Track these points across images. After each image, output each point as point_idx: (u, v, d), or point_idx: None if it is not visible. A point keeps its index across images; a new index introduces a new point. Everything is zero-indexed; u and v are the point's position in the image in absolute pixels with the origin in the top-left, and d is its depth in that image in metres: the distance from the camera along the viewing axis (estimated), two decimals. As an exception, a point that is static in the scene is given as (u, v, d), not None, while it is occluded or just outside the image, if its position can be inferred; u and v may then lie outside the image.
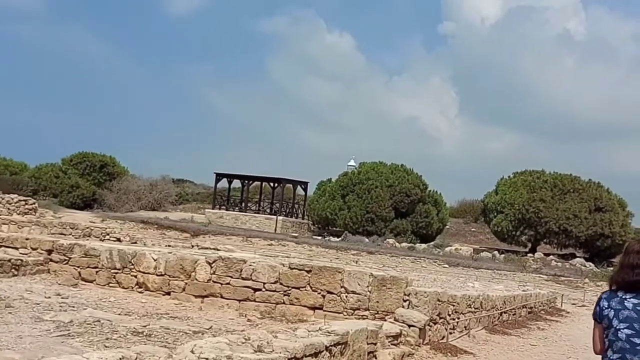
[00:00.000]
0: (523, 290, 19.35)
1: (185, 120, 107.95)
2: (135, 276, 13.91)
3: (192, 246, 26.82)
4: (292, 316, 12.82)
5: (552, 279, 31.94)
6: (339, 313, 12.82)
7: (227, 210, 57.77)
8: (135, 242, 26.77)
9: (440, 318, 12.75)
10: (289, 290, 13.10)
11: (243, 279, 13.32)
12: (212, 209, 57.57)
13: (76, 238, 27.46)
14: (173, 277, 13.66)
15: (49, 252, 14.37)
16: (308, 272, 13.03)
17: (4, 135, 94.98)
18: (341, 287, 12.85)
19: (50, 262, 14.32)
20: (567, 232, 45.36)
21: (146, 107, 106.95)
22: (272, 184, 58.90)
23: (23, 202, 37.05)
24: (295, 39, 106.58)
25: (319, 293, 12.95)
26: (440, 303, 12.62)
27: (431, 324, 12.30)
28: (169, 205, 64.82)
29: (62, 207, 54.78)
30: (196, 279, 13.55)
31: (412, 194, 49.58)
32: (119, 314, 11.60)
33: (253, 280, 13.27)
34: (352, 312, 12.75)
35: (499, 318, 15.89)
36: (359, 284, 12.73)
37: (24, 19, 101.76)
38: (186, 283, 13.61)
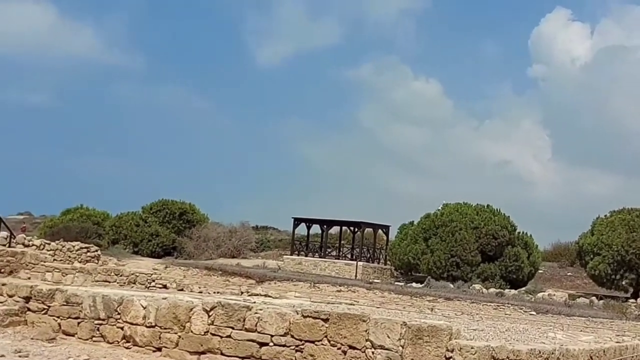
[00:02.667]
0: (617, 342, 15.95)
1: (272, 168, 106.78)
2: (122, 328, 11.45)
3: (242, 293, 24.37)
4: (305, 378, 10.05)
5: (657, 327, 27.90)
6: (362, 374, 9.97)
7: (305, 256, 55.32)
8: (182, 289, 24.52)
9: (497, 380, 9.74)
10: (302, 344, 10.35)
11: (247, 330, 10.66)
12: (291, 254, 55.26)
13: (120, 286, 25.45)
14: (165, 328, 11.12)
15: (27, 299, 12.10)
16: (325, 320, 10.27)
17: (89, 187, 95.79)
18: (366, 340, 10.02)
19: (28, 312, 12.03)
20: (673, 274, 40.87)
21: (232, 156, 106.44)
22: (352, 229, 56.17)
23: (85, 250, 35.64)
24: (382, 86, 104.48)
25: (339, 348, 10.15)
26: (495, 361, 9.62)
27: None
28: (248, 252, 62.97)
29: (137, 255, 53.62)
30: (191, 331, 10.96)
31: (499, 236, 45.91)
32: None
33: (258, 332, 10.58)
34: (381, 372, 9.88)
35: (583, 378, 12.64)
36: (388, 337, 9.87)
37: (122, 78, 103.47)
38: (180, 336, 11.03)
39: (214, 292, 23.67)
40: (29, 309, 12.04)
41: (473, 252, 45.63)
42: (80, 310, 11.72)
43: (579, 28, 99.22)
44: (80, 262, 33.50)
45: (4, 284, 12.21)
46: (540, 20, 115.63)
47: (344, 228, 57.87)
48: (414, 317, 15.40)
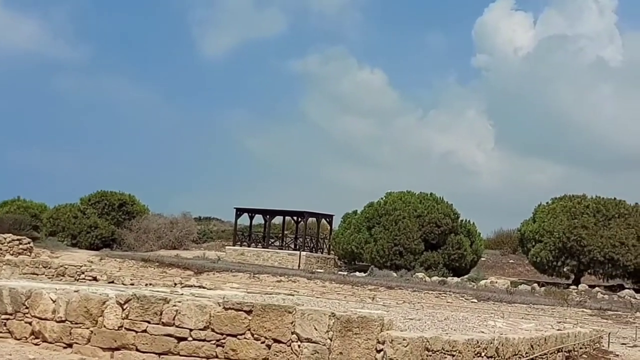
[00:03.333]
0: (558, 330, 15.51)
1: (216, 160, 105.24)
2: (30, 323, 10.52)
3: (175, 284, 23.44)
4: (226, 375, 9.28)
5: (597, 313, 27.80)
6: (289, 370, 9.25)
7: (248, 246, 54.48)
8: (112, 282, 23.48)
9: (435, 373, 9.11)
10: (224, 338, 9.58)
11: (164, 324, 9.84)
12: (233, 245, 54.34)
13: (49, 278, 24.31)
14: (76, 323, 10.23)
15: None
16: (248, 313, 9.51)
17: (24, 179, 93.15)
18: (292, 332, 9.30)
19: None
20: (613, 261, 40.93)
21: (175, 147, 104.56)
22: (295, 218, 55.46)
23: (17, 242, 34.31)
24: (327, 77, 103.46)
25: (263, 342, 9.41)
26: (430, 353, 8.99)
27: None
28: (190, 244, 61.83)
29: (74, 247, 52.16)
30: (104, 326, 10.10)
31: (442, 224, 45.69)
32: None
33: (176, 327, 9.78)
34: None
35: (523, 369, 12.12)
36: (315, 329, 9.16)
37: (66, 69, 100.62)
38: (92, 331, 10.16)
39: (147, 284, 22.73)
40: None
41: (416, 240, 45.34)
42: (-17, 305, 10.76)
43: (522, 18, 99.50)
44: (12, 254, 32.18)
45: None
46: (483, 10, 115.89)
47: (287, 218, 57.12)
48: (353, 307, 14.80)
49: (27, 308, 10.51)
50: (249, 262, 48.95)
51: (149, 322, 9.89)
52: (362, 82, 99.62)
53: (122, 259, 36.92)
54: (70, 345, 10.24)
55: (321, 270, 43.37)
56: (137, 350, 9.89)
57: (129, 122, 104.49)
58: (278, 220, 57.51)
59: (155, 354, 9.79)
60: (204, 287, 21.84)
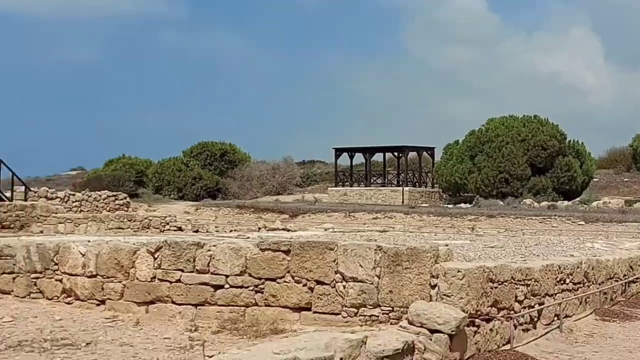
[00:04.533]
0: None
1: (314, 102, 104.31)
2: (61, 280, 9.71)
3: (259, 228, 22.64)
4: (267, 324, 8.18)
5: None
6: (336, 314, 8.06)
7: (350, 186, 53.53)
8: (197, 230, 22.92)
9: (500, 309, 7.72)
10: (262, 283, 8.46)
11: (198, 271, 8.81)
12: (335, 186, 53.48)
13: (134, 231, 24.00)
14: (107, 277, 9.34)
15: (-42, 256, 10.44)
16: (286, 253, 8.34)
17: (131, 137, 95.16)
18: (335, 272, 8.08)
19: (-39, 271, 10.38)
20: None
21: (273, 93, 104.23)
22: (396, 154, 53.99)
23: (113, 198, 34.57)
24: (425, 6, 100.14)
25: (305, 285, 8.24)
26: (494, 285, 7.58)
27: (479, 321, 7.33)
28: (294, 188, 61.43)
29: (181, 200, 52.48)
30: (137, 278, 9.16)
31: (548, 147, 43.18)
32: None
33: (212, 274, 8.72)
34: (355, 310, 7.95)
35: (622, 292, 10.52)
36: (360, 266, 7.91)
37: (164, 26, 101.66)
38: (124, 285, 9.25)
39: (230, 230, 22.01)
40: (-39, 268, 10.40)
41: (522, 166, 43.12)
42: (14, 264, 10.03)
43: None
44: (108, 210, 32.35)
45: None
46: None
47: (387, 154, 55.72)
48: (433, 239, 13.47)
49: (56, 264, 9.71)
50: (352, 202, 48.02)
51: (182, 271, 8.89)
52: (461, 9, 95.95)
53: (218, 208, 36.60)
54: (103, 302, 9.38)
55: (425, 205, 41.94)
56: (173, 302, 8.93)
57: (226, 73, 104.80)
58: (379, 157, 56.18)
59: (192, 305, 8.79)
60: (287, 230, 20.93)
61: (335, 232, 19.26)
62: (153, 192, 57.76)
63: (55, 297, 9.67)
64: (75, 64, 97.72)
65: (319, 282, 8.15)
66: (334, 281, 8.06)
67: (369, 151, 53.73)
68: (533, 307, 8.26)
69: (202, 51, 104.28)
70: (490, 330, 7.53)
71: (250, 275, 8.50)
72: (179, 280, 8.89)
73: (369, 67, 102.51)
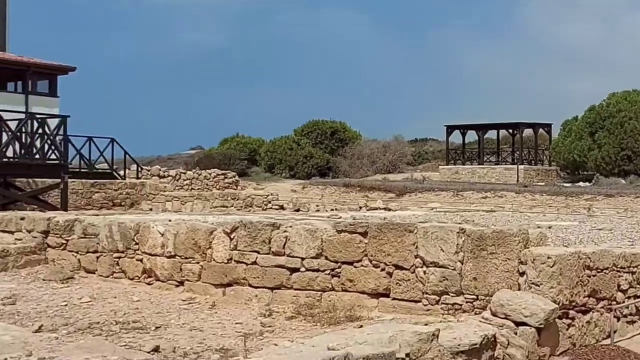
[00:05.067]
0: None
1: (425, 81, 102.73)
2: (141, 260, 9.53)
3: (360, 207, 22.15)
4: (344, 310, 7.69)
5: None
6: (416, 302, 7.48)
7: (462, 164, 52.31)
8: (298, 209, 22.68)
9: (599, 300, 6.95)
10: (339, 267, 7.97)
11: (274, 253, 8.41)
12: (446, 164, 52.40)
13: (237, 209, 24.04)
14: (185, 258, 9.09)
15: (45, 234, 10.46)
16: (363, 235, 7.81)
17: (245, 116, 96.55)
18: (415, 256, 7.49)
19: (48, 249, 10.40)
20: None
21: (382, 71, 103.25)
22: (510, 131, 52.29)
23: (222, 176, 34.99)
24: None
25: (383, 269, 7.69)
26: (592, 272, 6.81)
27: (573, 313, 6.61)
28: (405, 166, 60.62)
29: (292, 178, 52.65)
30: (213, 259, 8.86)
31: (676, 121, 40.71)
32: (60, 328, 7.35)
33: (287, 256, 8.31)
34: (437, 298, 7.35)
35: None
36: (442, 250, 7.29)
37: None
38: (202, 266, 8.97)
39: (331, 209, 21.64)
40: (48, 245, 10.42)
41: (646, 142, 40.89)
42: (97, 243, 9.94)
43: None
44: (218, 188, 32.68)
45: (22, 218, 10.62)
46: None
47: (501, 131, 54.05)
48: (548, 220, 12.58)
49: (136, 244, 9.54)
50: (463, 180, 46.86)
51: (258, 252, 8.51)
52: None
53: (324, 186, 36.33)
54: (182, 283, 9.14)
55: (541, 184, 40.39)
56: (249, 285, 8.57)
57: (339, 51, 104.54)
58: (492, 135, 54.56)
59: (268, 288, 8.41)
60: (388, 209, 20.36)
61: (439, 212, 18.54)
62: (265, 170, 58.28)
63: (137, 277, 9.52)
64: (195, 46, 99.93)
65: (397, 267, 7.59)
66: (414, 266, 7.48)
67: (482, 128, 52.25)
68: (636, 298, 7.43)
69: (314, 30, 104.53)
70: (587, 322, 6.79)
71: (326, 258, 8.03)
72: (254, 263, 8.52)
73: (484, 43, 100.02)
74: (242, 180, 37.56)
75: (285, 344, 5.26)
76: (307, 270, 8.15)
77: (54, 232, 10.34)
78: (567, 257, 6.54)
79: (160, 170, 32.28)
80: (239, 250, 8.64)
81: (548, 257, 6.44)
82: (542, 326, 6.15)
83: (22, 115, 22.45)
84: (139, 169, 30.01)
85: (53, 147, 21.69)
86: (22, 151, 20.90)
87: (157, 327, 7.45)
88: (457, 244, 7.20)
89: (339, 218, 11.54)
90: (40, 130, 21.92)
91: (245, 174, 48.48)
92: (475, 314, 7.03)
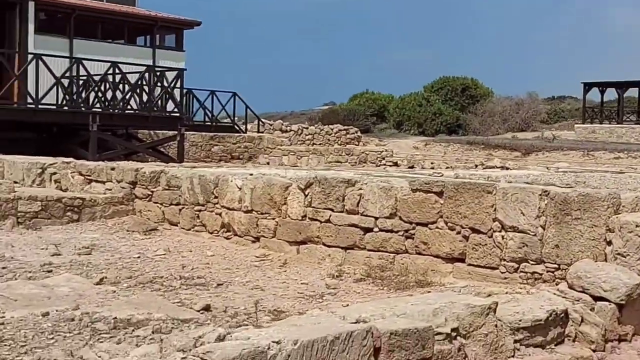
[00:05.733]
0: None
1: (563, 36, 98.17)
2: (220, 214, 9.30)
3: (476, 166, 21.24)
4: (417, 274, 7.16)
5: None
6: (493, 268, 6.85)
7: (600, 123, 49.79)
8: (412, 166, 22.04)
9: (701, 275, 6.08)
10: (413, 228, 7.42)
11: (348, 212, 7.94)
12: (582, 123, 49.99)
13: (351, 165, 23.67)
14: (261, 213, 8.78)
15: (133, 185, 10.42)
16: (439, 194, 7.21)
17: (376, 72, 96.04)
18: (493, 219, 6.83)
19: (135, 199, 10.36)
20: None
21: (517, 27, 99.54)
22: (653, 89, 49.22)
23: (344, 132, 34.85)
24: None
25: (459, 232, 7.08)
26: (693, 245, 5.96)
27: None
28: (539, 125, 58.37)
29: (421, 135, 51.83)
30: (288, 216, 8.49)
31: None
32: (127, 279, 7.26)
33: (361, 215, 7.82)
34: (515, 266, 6.69)
35: None
36: (522, 213, 6.60)
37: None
38: (277, 222, 8.63)
39: (447, 168, 20.90)
40: (135, 196, 10.38)
41: None
42: (180, 195, 9.79)
43: None
44: (339, 144, 32.55)
45: (112, 168, 10.62)
46: None
47: (643, 89, 50.99)
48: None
49: (216, 197, 9.31)
50: (600, 139, 44.60)
51: (332, 210, 8.08)
52: None
53: (448, 144, 35.34)
54: (257, 239, 8.85)
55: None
56: (323, 244, 8.17)
57: (470, 6, 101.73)
58: (633, 93, 51.52)
59: (341, 248, 7.98)
60: (506, 168, 19.39)
61: (559, 172, 17.43)
62: (393, 127, 57.66)
63: (215, 231, 9.32)
64: (320, 2, 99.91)
65: (474, 230, 6.96)
66: (492, 230, 6.83)
67: (622, 86, 49.40)
68: None
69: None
70: (682, 301, 5.96)
71: (400, 218, 7.49)
72: (328, 221, 8.10)
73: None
74: (365, 137, 37.13)
75: (316, 312, 4.83)
76: (381, 230, 7.65)
77: (140, 183, 10.28)
78: (659, 225, 5.73)
79: (282, 124, 32.37)
80: (313, 207, 8.23)
81: (637, 225, 5.66)
82: (623, 302, 5.41)
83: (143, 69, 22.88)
84: (260, 123, 30.17)
85: (171, 100, 21.97)
86: (141, 103, 21.28)
87: (219, 285, 7.18)
88: (539, 207, 6.49)
89: (440, 175, 10.89)
90: (159, 84, 22.25)
91: (368, 130, 47.99)
92: (556, 284, 6.34)
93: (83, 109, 20.37)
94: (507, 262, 6.72)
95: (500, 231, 6.77)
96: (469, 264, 6.98)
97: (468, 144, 34.13)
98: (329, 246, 8.10)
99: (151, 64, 26.82)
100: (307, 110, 74.95)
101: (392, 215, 7.55)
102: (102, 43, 27.21)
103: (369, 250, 7.74)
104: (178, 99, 21.93)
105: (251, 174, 9.30)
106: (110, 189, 10.53)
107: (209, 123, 26.90)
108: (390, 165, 22.25)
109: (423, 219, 7.31)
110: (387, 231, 7.60)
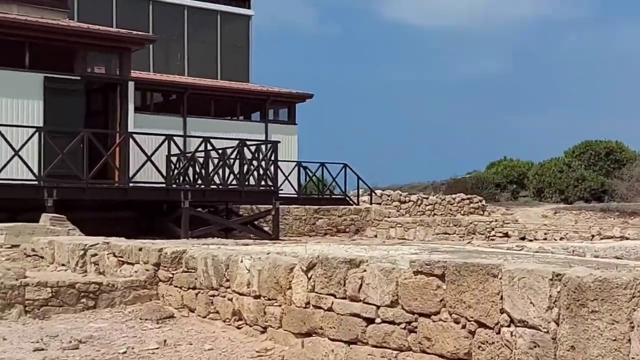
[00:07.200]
0: None
1: None
2: (231, 299, 8.26)
3: (593, 236, 19.08)
4: (420, 378, 5.80)
5: None
6: (501, 374, 5.40)
7: None
8: (524, 237, 20.20)
9: None
10: (415, 320, 6.08)
11: (350, 298, 6.70)
12: None
13: (460, 237, 22.08)
14: (269, 299, 7.66)
15: (157, 266, 9.58)
16: (440, 277, 5.86)
17: (511, 138, 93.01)
18: (500, 310, 5.42)
19: (159, 283, 9.51)
20: None
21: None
22: None
23: (467, 201, 33.38)
24: None
25: (463, 326, 5.69)
26: None
27: None
28: (698, 191, 53.99)
29: (563, 202, 49.12)
30: (292, 302, 7.33)
31: None
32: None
33: (362, 302, 6.56)
34: (527, 371, 5.22)
35: None
36: (531, 303, 5.16)
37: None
38: (282, 310, 7.49)
39: (561, 239, 18.97)
40: (159, 279, 9.53)
41: None
42: (195, 278, 8.84)
43: None
44: (462, 214, 31.11)
45: (140, 249, 9.85)
46: None
47: None
48: None
49: (227, 280, 8.29)
50: None
51: (334, 296, 6.87)
52: None
53: (579, 211, 32.83)
54: (265, 329, 7.72)
55: None
56: (327, 337, 6.93)
57: (607, 67, 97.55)
58: None
59: (344, 342, 6.71)
60: (626, 238, 17.31)
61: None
62: (533, 194, 55.15)
63: (227, 319, 8.27)
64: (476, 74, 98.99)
65: (480, 324, 5.55)
66: (499, 324, 5.40)
67: None
68: None
69: (602, 47, 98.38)
70: None
71: (402, 307, 6.17)
72: (330, 309, 6.88)
73: None
74: (490, 206, 35.28)
75: None
76: (382, 322, 6.35)
77: (163, 264, 9.44)
78: (695, 323, 4.17)
79: (401, 195, 31.22)
80: (316, 292, 7.04)
81: (658, 324, 4.14)
82: None
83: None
84: (372, 194, 29.17)
85: (265, 173, 21.43)
86: (233, 178, 20.84)
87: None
88: (550, 296, 5.03)
89: (520, 249, 9.45)
90: (256, 156, 21.81)
91: (493, 198, 45.82)
92: (576, 399, 4.83)
93: (174, 185, 20.11)
94: (518, 365, 5.26)
95: (509, 325, 5.33)
96: (476, 367, 5.56)
97: (602, 211, 31.56)
98: (332, 339, 6.86)
99: (264, 138, 26.62)
100: (447, 179, 73.30)
101: (393, 304, 6.25)
102: (214, 120, 27.34)
103: (372, 346, 6.44)
104: (272, 172, 21.34)
105: (268, 253, 8.24)
106: (137, 271, 9.75)
107: (316, 195, 26.19)
108: (500, 237, 20.51)
109: (425, 309, 5.97)
110: (389, 323, 6.29)
